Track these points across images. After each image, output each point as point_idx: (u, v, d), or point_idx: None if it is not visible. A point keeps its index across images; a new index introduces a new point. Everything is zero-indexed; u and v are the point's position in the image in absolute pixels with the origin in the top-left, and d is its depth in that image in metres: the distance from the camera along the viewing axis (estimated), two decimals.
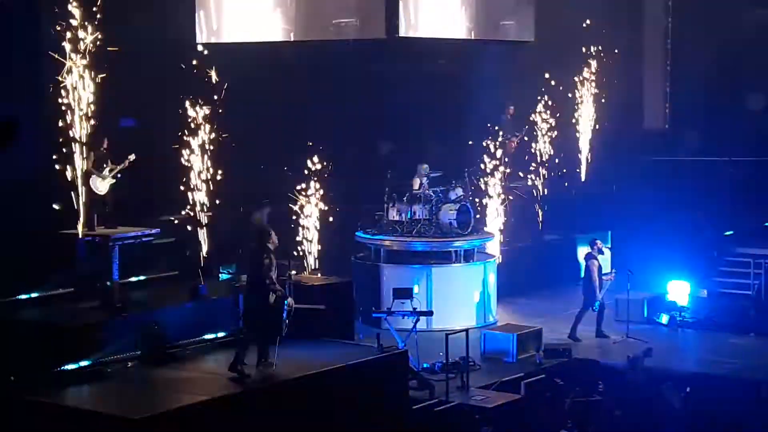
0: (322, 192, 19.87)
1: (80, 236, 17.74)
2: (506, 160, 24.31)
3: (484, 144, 23.71)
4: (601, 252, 20.34)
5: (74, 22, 16.66)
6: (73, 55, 16.75)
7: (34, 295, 17.93)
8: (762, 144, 29.06)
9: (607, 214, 25.84)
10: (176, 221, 20.04)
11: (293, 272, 16.76)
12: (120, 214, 18.46)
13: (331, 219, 20.07)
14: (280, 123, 22.94)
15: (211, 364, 14.87)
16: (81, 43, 16.73)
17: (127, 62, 17.79)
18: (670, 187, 27.16)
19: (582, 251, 20.71)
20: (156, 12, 21.23)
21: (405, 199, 21.52)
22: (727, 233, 26.29)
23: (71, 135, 16.89)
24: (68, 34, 16.62)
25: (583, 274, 20.40)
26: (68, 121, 16.86)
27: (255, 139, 22.08)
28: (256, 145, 22.18)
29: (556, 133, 25.81)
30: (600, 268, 20.08)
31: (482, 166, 23.50)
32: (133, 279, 19.38)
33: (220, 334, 17.08)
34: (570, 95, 27.06)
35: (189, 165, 18.73)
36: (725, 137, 28.58)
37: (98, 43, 16.74)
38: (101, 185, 18.01)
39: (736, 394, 15.81)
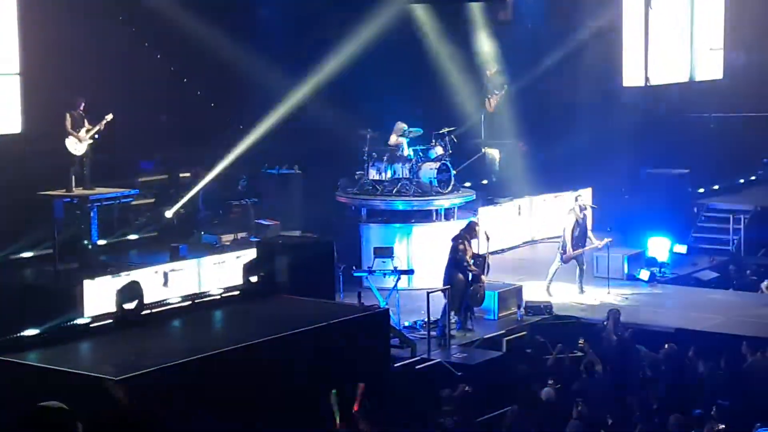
0: None
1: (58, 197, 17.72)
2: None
3: None
4: (583, 208, 20.02)
5: None
6: None
7: (13, 256, 17.87)
8: (740, 98, 29.13)
9: (587, 170, 25.78)
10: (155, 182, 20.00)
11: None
12: (98, 174, 18.40)
13: None
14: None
15: (191, 324, 14.81)
16: None
17: None
18: (649, 142, 27.14)
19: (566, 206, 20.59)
20: None
21: (385, 158, 21.42)
22: (707, 188, 26.36)
23: None
24: None
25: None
26: None
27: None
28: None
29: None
30: (578, 223, 19.81)
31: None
32: (112, 240, 19.34)
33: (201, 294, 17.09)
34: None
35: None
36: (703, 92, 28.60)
37: None
38: (78, 146, 17.90)
39: (717, 350, 15.83)
